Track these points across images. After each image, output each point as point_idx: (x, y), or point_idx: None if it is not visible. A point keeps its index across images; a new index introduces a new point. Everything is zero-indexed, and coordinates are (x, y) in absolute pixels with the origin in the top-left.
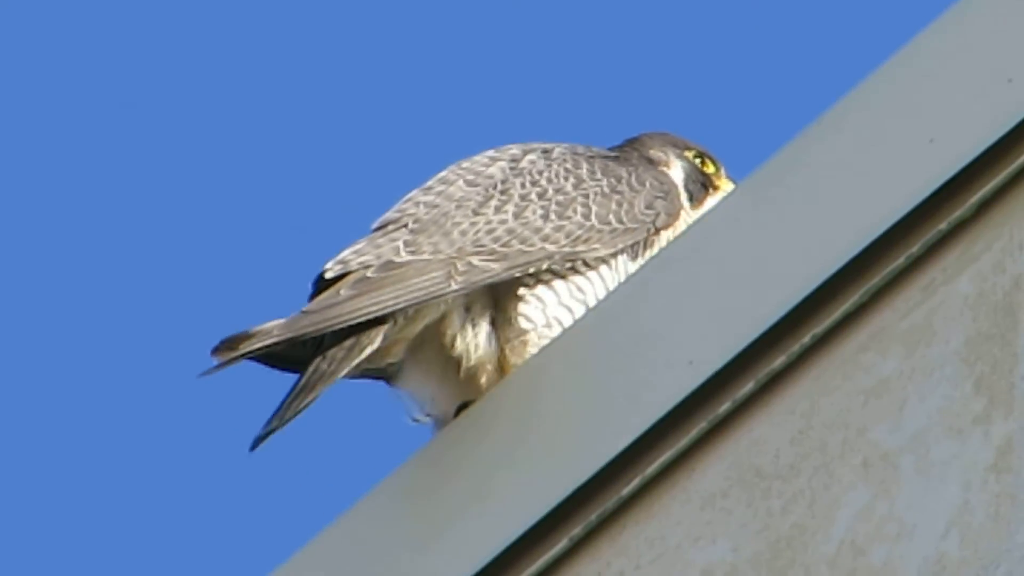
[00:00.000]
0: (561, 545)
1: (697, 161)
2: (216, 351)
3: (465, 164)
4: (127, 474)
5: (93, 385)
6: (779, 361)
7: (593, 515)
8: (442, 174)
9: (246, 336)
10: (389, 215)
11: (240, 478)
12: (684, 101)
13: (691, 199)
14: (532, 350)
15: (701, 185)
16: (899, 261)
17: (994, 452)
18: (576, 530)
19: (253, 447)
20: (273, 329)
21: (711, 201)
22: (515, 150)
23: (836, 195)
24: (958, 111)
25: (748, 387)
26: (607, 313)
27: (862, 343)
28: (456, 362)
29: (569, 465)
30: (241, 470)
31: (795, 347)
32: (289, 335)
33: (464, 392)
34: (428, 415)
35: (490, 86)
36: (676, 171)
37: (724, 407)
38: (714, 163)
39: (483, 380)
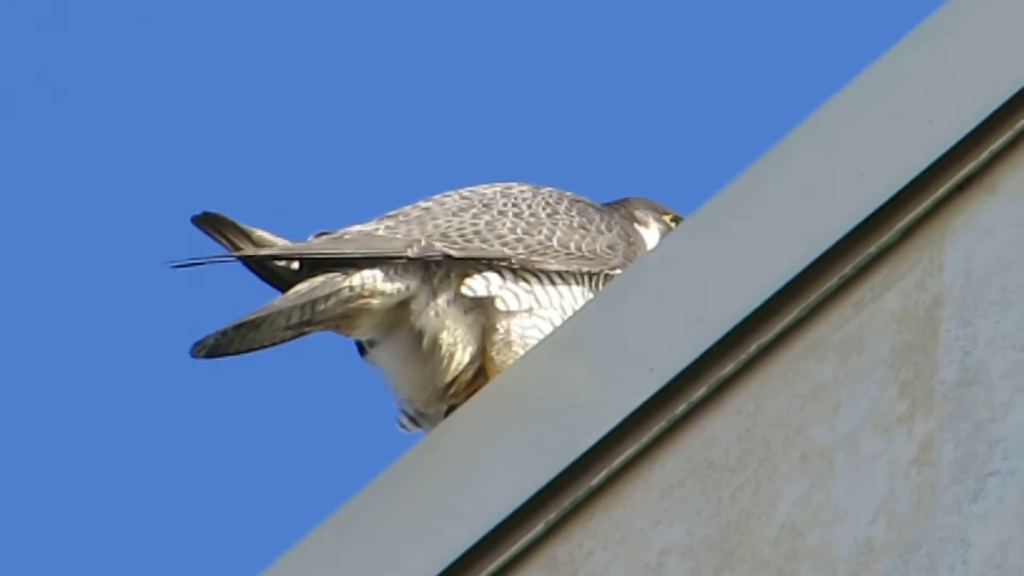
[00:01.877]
0: (538, 529)
1: (672, 223)
2: (197, 220)
3: (472, 186)
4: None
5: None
6: (728, 368)
7: (566, 502)
8: (452, 191)
9: (233, 224)
10: (391, 212)
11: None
12: (645, 149)
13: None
14: (519, 350)
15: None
16: (833, 281)
17: (916, 448)
18: (552, 515)
19: (195, 353)
20: (268, 242)
21: None
22: (515, 184)
23: (778, 224)
24: (885, 150)
25: (701, 391)
26: (579, 327)
27: (801, 352)
28: (426, 354)
29: (545, 458)
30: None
31: (742, 356)
32: (267, 252)
33: (433, 383)
34: (406, 414)
35: (508, 141)
36: (652, 231)
37: (680, 408)
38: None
39: (454, 370)
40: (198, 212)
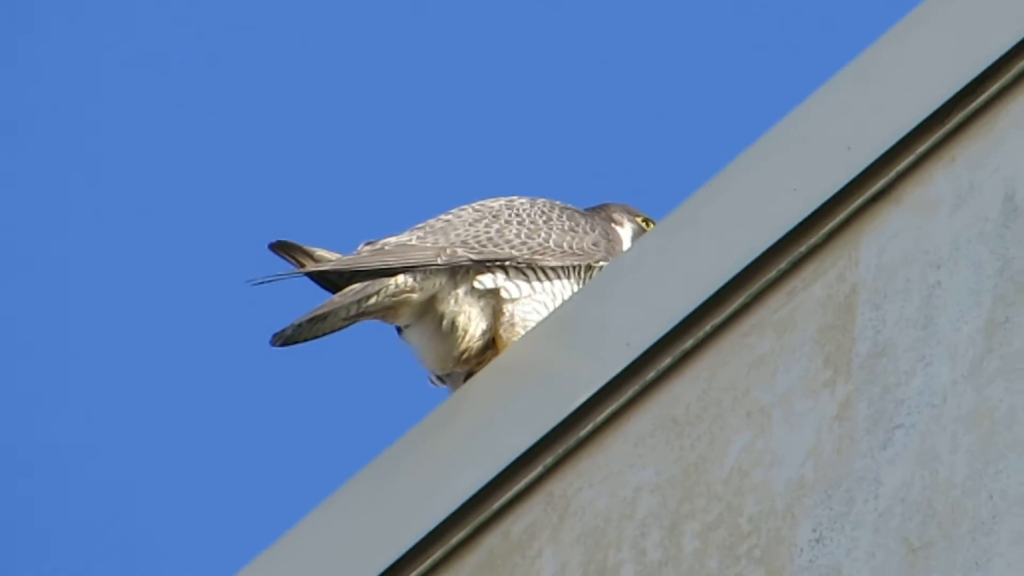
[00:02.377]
0: (538, 471)
1: (643, 223)
2: (273, 246)
3: (481, 201)
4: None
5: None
6: (689, 343)
7: (560, 450)
8: (466, 205)
9: (300, 248)
10: (421, 223)
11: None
12: (624, 164)
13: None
14: (521, 330)
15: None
16: (772, 274)
17: (837, 406)
18: (548, 460)
19: (274, 342)
20: (325, 259)
21: None
22: (515, 197)
23: (728, 228)
24: (813, 170)
25: (667, 361)
26: (570, 311)
27: (746, 330)
28: (453, 335)
29: (543, 415)
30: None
31: (700, 333)
32: (328, 267)
33: (450, 354)
34: (437, 376)
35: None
36: (627, 230)
37: (651, 375)
38: (654, 223)
39: (467, 343)
40: (273, 240)
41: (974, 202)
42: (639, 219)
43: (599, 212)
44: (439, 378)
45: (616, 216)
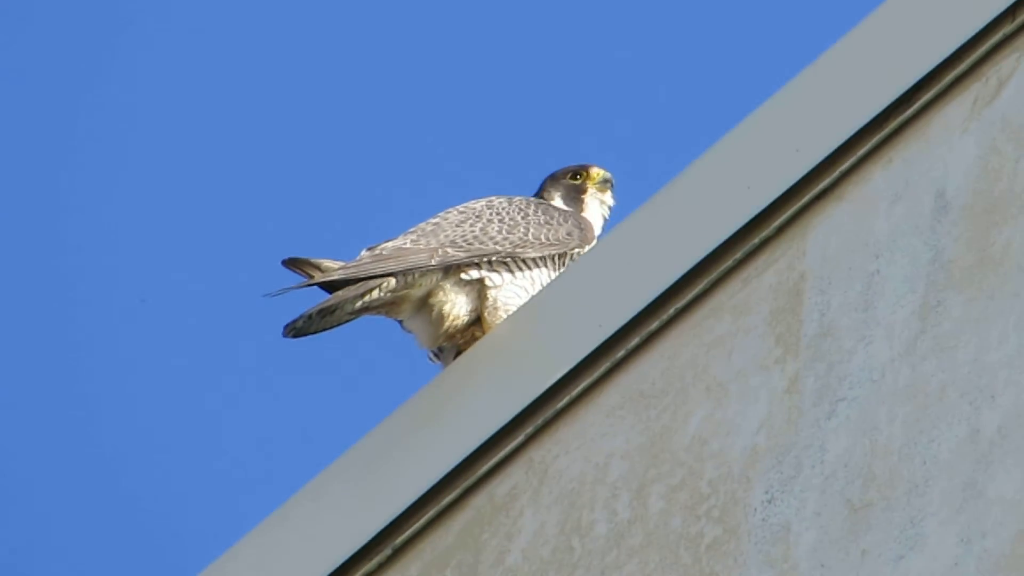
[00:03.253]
0: (519, 439)
1: (570, 180)
2: (285, 262)
3: (464, 203)
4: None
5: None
6: (655, 324)
7: (539, 420)
8: (451, 208)
9: (309, 262)
10: (413, 226)
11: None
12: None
13: (573, 205)
14: (504, 314)
15: (576, 195)
16: (729, 263)
17: (787, 381)
18: (529, 429)
19: (286, 333)
20: (331, 269)
21: (591, 196)
22: (494, 197)
23: (689, 222)
24: (765, 170)
25: (635, 341)
26: (548, 296)
27: (706, 314)
28: (441, 320)
29: (524, 389)
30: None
31: (664, 316)
32: (334, 276)
33: (438, 333)
34: (434, 354)
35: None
36: (558, 201)
37: (620, 353)
38: (582, 171)
39: (453, 323)
40: (284, 257)
41: (909, 199)
42: (564, 179)
43: (544, 200)
44: (435, 355)
45: (549, 192)
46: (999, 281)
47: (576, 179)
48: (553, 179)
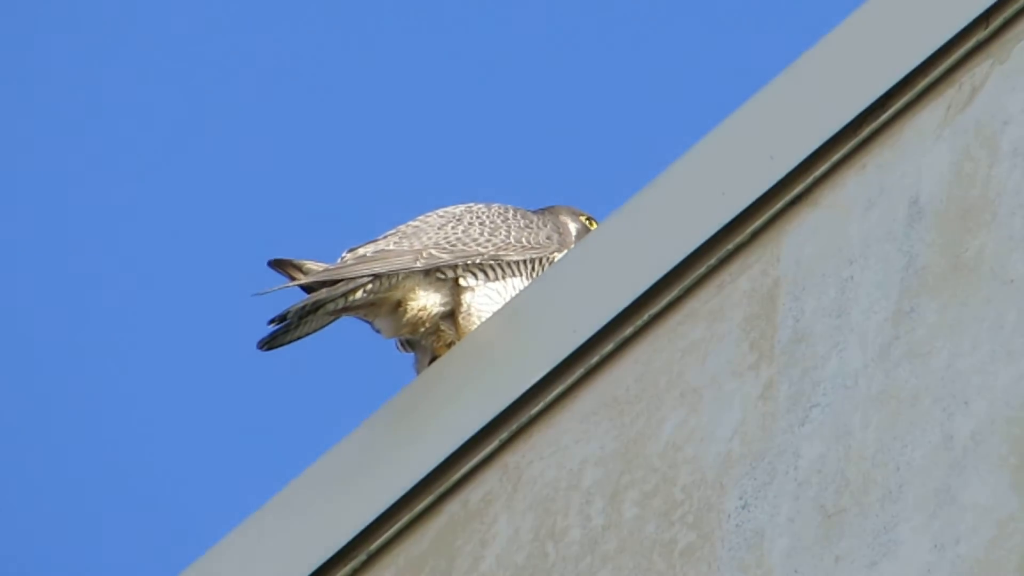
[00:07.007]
0: (494, 444)
1: (586, 222)
2: (271, 263)
3: (444, 208)
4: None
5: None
6: (629, 330)
7: (514, 425)
8: (430, 212)
9: (292, 263)
10: (394, 228)
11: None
12: (573, 170)
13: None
14: (478, 320)
15: (582, 231)
16: (703, 269)
17: (761, 387)
18: (503, 435)
19: (261, 345)
20: (314, 270)
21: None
22: (472, 203)
23: (664, 228)
24: (740, 176)
25: (609, 347)
26: (523, 301)
27: (680, 319)
28: (415, 320)
29: (499, 394)
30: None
31: (639, 321)
32: (318, 278)
33: (415, 325)
34: (401, 344)
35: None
36: (572, 228)
37: (595, 359)
38: (596, 222)
39: (423, 321)
40: (270, 258)
41: (883, 205)
42: (582, 218)
43: (547, 211)
44: (404, 343)
45: (562, 217)
46: (973, 287)
47: (590, 224)
48: (571, 210)
